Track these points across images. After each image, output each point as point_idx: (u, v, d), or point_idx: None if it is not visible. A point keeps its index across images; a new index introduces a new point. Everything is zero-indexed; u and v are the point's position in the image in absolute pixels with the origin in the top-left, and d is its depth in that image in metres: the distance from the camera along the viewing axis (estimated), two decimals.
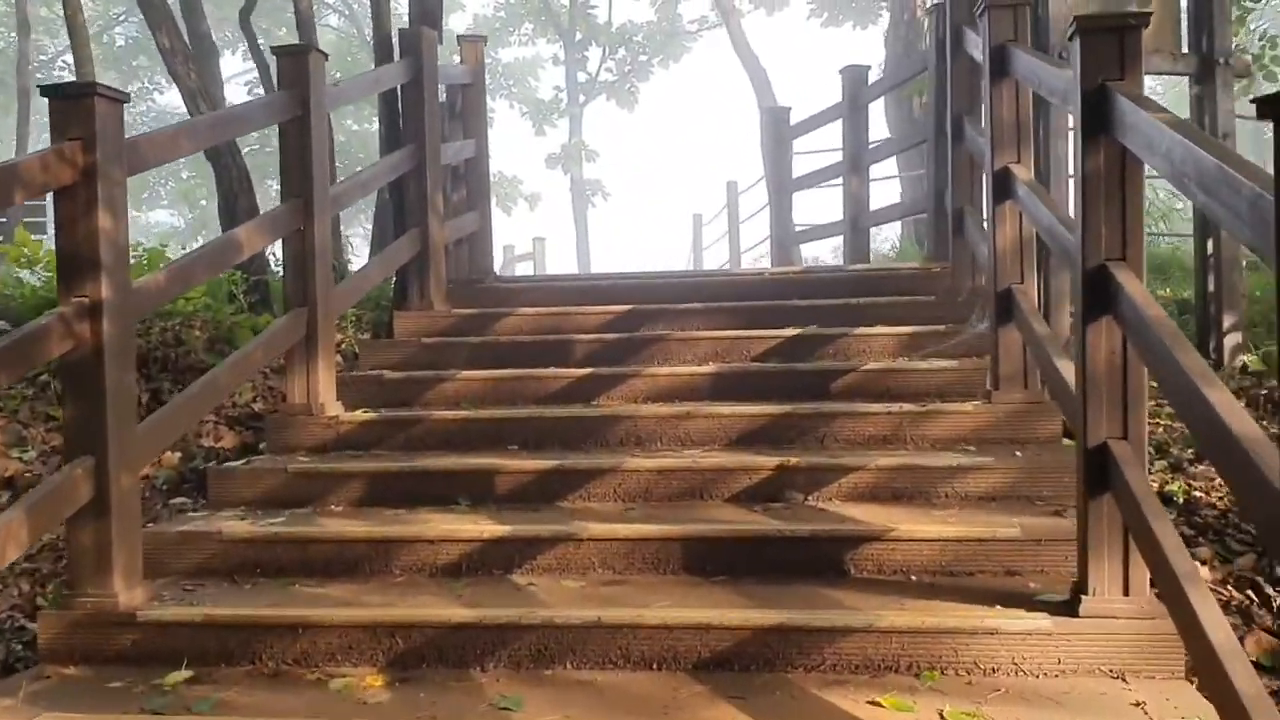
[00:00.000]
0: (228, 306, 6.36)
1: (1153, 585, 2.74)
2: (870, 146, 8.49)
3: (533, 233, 24.41)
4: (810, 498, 3.75)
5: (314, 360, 4.53)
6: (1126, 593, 2.77)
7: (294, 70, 4.54)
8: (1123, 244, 2.72)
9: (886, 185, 15.59)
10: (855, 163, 8.30)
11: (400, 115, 6.05)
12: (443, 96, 6.76)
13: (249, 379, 4.68)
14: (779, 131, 9.83)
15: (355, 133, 21.00)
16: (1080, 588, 2.83)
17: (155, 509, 4.55)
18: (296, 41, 7.89)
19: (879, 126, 11.95)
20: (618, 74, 22.61)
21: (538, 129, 22.75)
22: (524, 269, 19.58)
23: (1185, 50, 5.38)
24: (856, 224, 8.28)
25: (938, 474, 3.71)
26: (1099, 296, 2.73)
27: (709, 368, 4.79)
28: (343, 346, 6.24)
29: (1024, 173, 4.04)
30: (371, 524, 3.66)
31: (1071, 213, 3.25)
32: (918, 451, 4.01)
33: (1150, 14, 2.71)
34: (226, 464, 4.23)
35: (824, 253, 14.45)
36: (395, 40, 6.14)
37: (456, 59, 7.01)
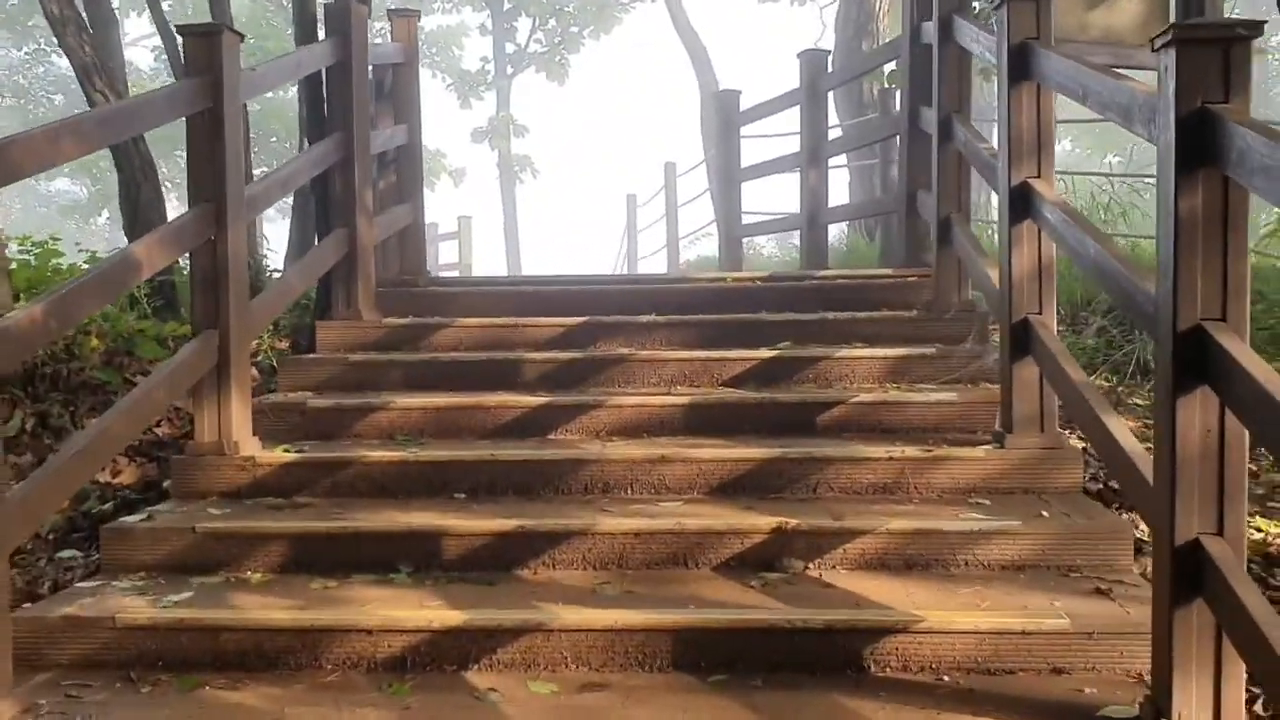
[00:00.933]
0: (128, 313, 5.68)
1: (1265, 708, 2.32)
2: (832, 139, 8.04)
3: (458, 210, 23.67)
4: (812, 565, 3.26)
5: (227, 392, 3.92)
6: (1218, 718, 2.33)
7: (203, 54, 3.91)
8: (1223, 300, 2.26)
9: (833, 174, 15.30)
10: (814, 154, 7.83)
11: (325, 100, 5.41)
12: (372, 76, 6.16)
13: (151, 420, 4.04)
14: (728, 117, 9.31)
15: (271, 103, 19.98)
16: (1160, 709, 2.39)
17: (39, 566, 3.92)
18: (209, 17, 7.18)
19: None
20: (547, 45, 21.85)
21: (463, 101, 21.93)
22: (449, 249, 18.85)
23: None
24: (815, 220, 7.82)
25: (956, 540, 3.26)
26: (1193, 364, 2.27)
27: (681, 398, 4.28)
28: (259, 358, 5.61)
29: (1047, 190, 3.59)
30: (296, 603, 3.09)
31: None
32: (925, 505, 3.55)
33: (1263, 23, 2.25)
34: (123, 521, 3.61)
35: (768, 245, 14.00)
36: (320, 16, 5.49)
37: (384, 32, 6.38)
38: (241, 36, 4.07)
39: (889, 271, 5.96)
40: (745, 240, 9.81)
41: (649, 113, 62.71)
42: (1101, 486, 3.80)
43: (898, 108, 9.21)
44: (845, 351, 4.67)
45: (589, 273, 6.36)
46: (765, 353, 4.70)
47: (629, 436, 4.20)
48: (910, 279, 5.67)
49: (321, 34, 5.46)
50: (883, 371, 4.61)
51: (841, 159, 11.78)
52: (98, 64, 6.14)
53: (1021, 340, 3.71)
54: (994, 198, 5.27)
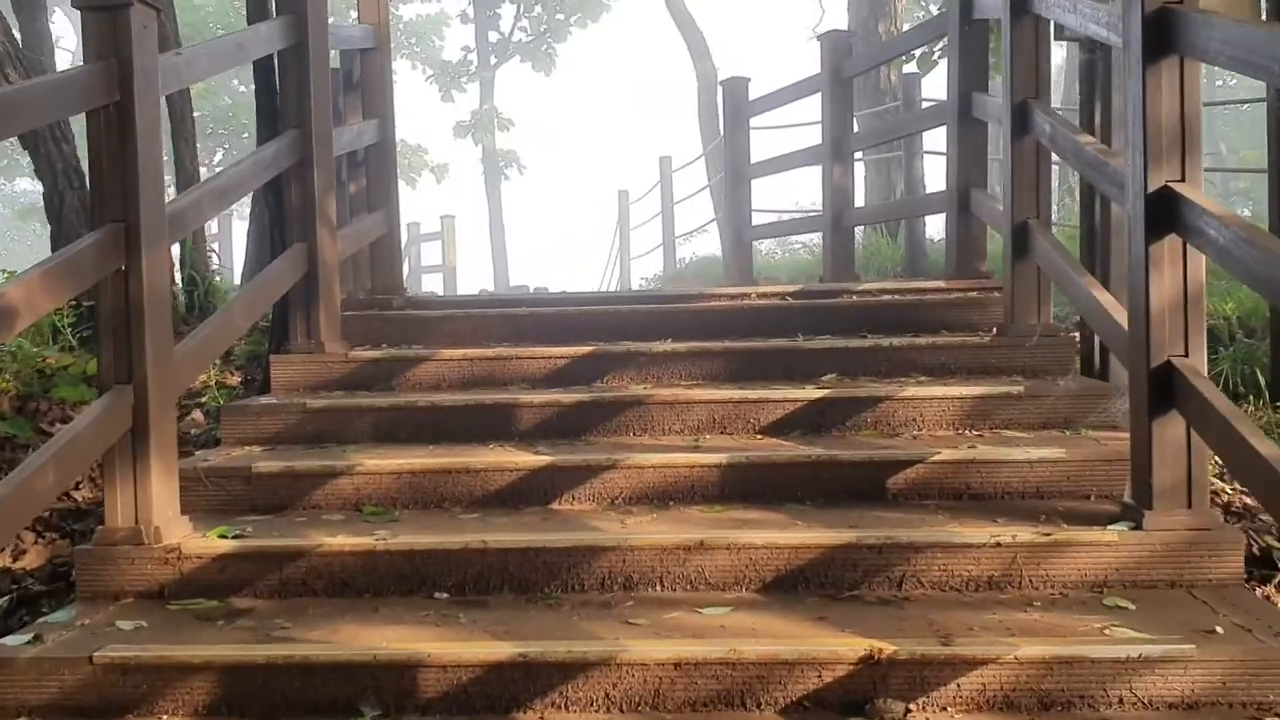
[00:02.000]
0: (48, 346, 4.85)
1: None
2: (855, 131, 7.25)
3: (441, 208, 22.84)
4: (915, 708, 2.46)
5: (145, 463, 3.10)
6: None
7: (107, 34, 3.07)
8: None
9: None
10: (838, 147, 7.03)
11: (278, 92, 4.58)
12: (338, 64, 5.34)
13: (37, 513, 3.17)
14: (737, 107, 8.51)
15: (246, 96, 18.97)
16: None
17: None
18: None
19: None
20: (532, 33, 20.95)
21: (444, 94, 21.00)
22: (433, 250, 18.01)
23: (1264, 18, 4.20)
24: (840, 221, 7.02)
25: (1108, 670, 2.46)
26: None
27: (715, 455, 3.47)
28: (204, 400, 4.79)
29: (1198, 195, 2.79)
30: None
31: None
32: (1050, 612, 2.74)
33: None
34: (7, 643, 2.78)
35: (766, 245, 13.13)
36: None
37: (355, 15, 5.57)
38: (157, 10, 3.24)
39: (942, 284, 5.16)
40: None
41: (641, 104, 61.78)
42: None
43: (921, 93, 8.48)
44: (911, 390, 3.87)
45: (590, 290, 5.56)
46: (811, 392, 3.90)
47: (653, 507, 3.39)
48: (971, 294, 4.88)
49: (273, 12, 4.62)
50: (958, 415, 3.82)
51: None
52: (14, 53, 5.30)
53: (1163, 390, 2.91)
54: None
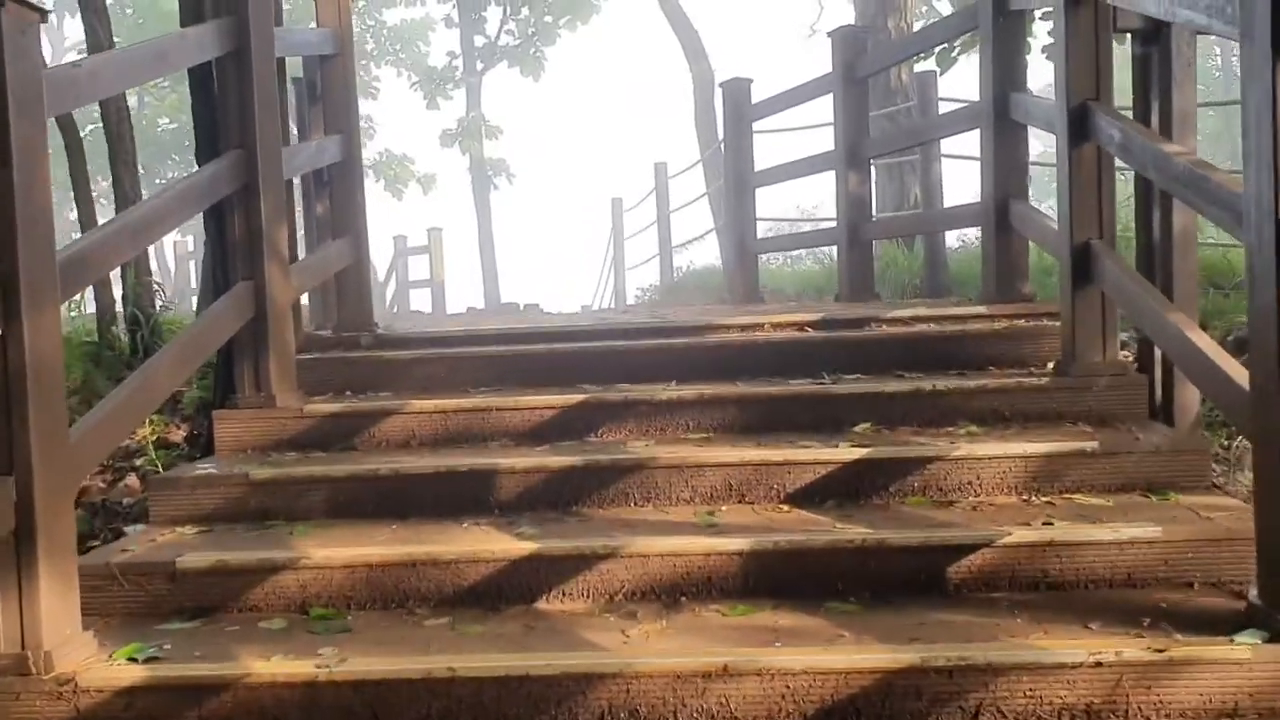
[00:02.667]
0: None
1: None
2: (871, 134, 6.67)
3: (427, 220, 22.24)
4: None
5: (32, 571, 2.51)
6: None
7: None
8: None
9: None
10: (853, 153, 6.46)
11: (219, 106, 4.00)
12: (297, 75, 4.77)
13: None
14: (739, 110, 7.93)
15: None
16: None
17: None
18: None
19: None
20: (520, 37, 20.33)
21: (430, 101, 20.37)
22: (419, 264, 17.40)
23: None
24: (856, 235, 6.45)
25: None
26: None
27: (734, 539, 2.89)
28: (139, 463, 4.21)
29: None
30: None
31: None
32: None
33: None
34: None
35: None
36: None
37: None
38: (43, 14, 2.66)
39: (983, 310, 4.58)
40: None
41: (635, 109, 61.15)
42: None
43: (938, 93, 7.89)
44: (964, 447, 3.29)
45: (582, 317, 4.98)
46: (846, 451, 3.32)
47: (662, 607, 2.80)
48: (1020, 322, 4.31)
49: (208, 13, 4.03)
50: (1022, 478, 3.24)
51: None
52: None
53: None
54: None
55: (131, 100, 22.23)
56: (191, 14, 4.06)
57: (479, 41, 20.50)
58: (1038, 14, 6.99)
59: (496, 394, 4.01)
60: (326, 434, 3.84)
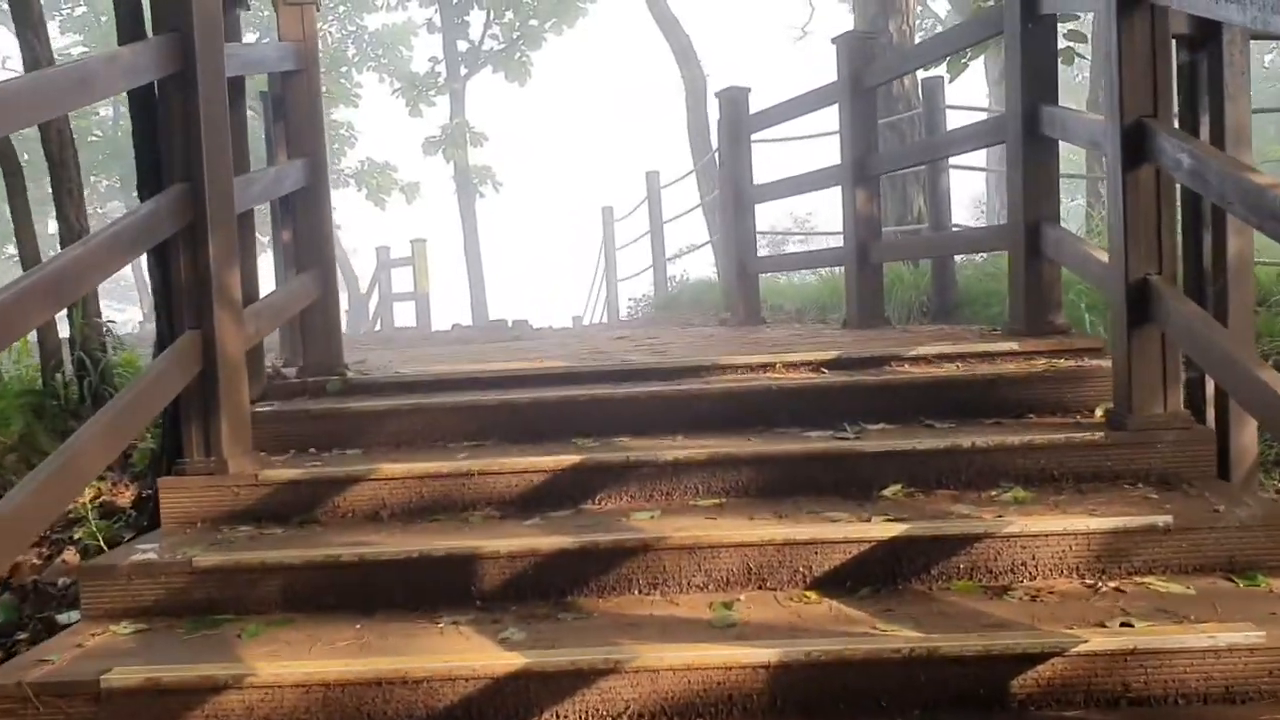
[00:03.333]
0: None
1: None
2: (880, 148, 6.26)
3: (412, 230, 21.75)
4: None
5: None
6: None
7: None
8: None
9: None
10: (860, 168, 6.04)
11: (163, 133, 3.55)
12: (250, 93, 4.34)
13: None
14: (736, 121, 7.52)
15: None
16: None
17: None
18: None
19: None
20: (505, 41, 19.85)
21: (412, 108, 19.87)
22: (403, 277, 16.95)
23: None
24: (866, 256, 6.03)
25: None
26: None
27: (758, 649, 2.45)
28: (76, 536, 3.76)
29: None
30: None
31: None
32: None
33: None
34: None
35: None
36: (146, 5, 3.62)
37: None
38: None
39: (1015, 346, 4.17)
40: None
41: (625, 114, 60.57)
42: None
43: (942, 100, 7.48)
44: (1016, 522, 2.87)
45: (575, 361, 4.56)
46: (880, 528, 2.90)
47: None
48: (1061, 362, 3.90)
49: (149, 30, 3.60)
50: (1085, 558, 2.83)
51: None
52: None
53: None
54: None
55: (107, 110, 21.69)
56: (129, 30, 3.61)
57: (462, 46, 20.05)
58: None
59: (479, 453, 3.59)
60: (285, 504, 3.41)
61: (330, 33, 22.50)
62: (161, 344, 3.62)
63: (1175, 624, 2.46)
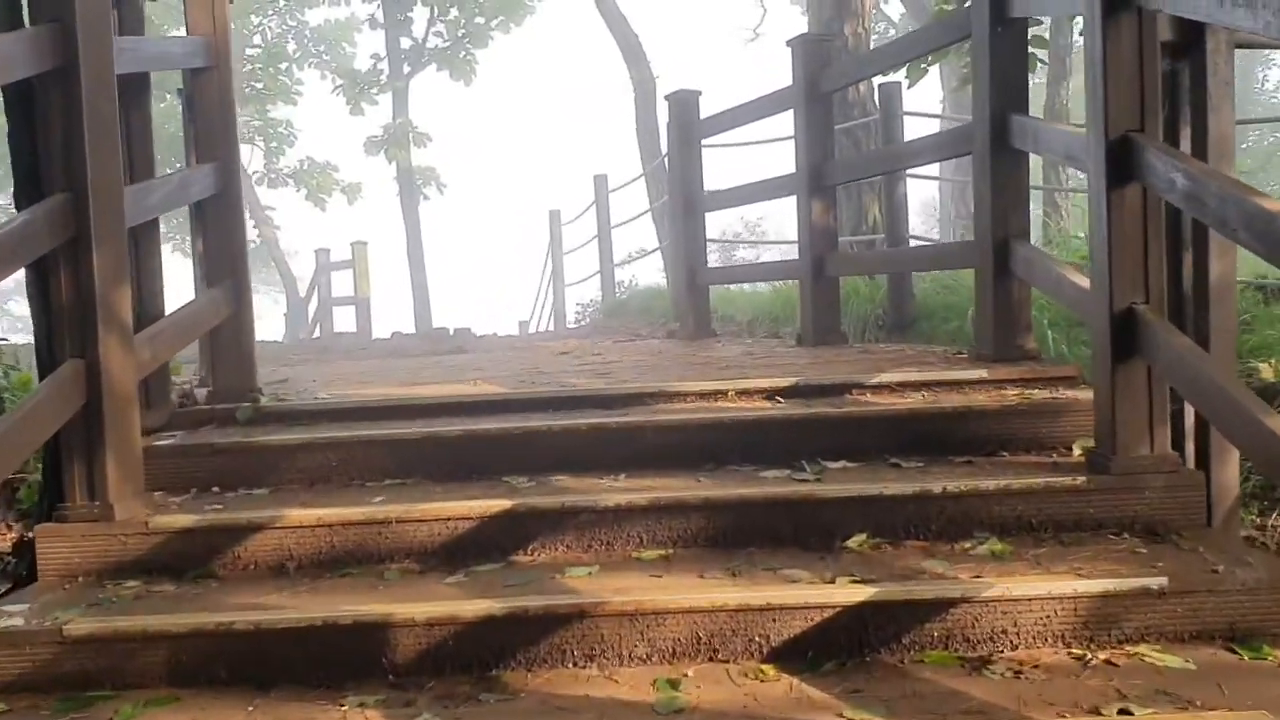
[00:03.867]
0: None
1: None
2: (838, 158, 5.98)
3: (353, 231, 21.24)
4: None
5: None
6: None
7: None
8: None
9: None
10: (816, 177, 5.76)
11: (41, 136, 3.17)
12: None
13: None
14: (686, 125, 7.21)
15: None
16: None
17: None
18: None
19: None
20: (450, 39, 19.38)
21: (354, 106, 19.33)
22: (343, 281, 16.48)
23: None
24: (822, 270, 5.75)
25: None
26: None
27: None
28: None
29: None
30: None
31: None
32: None
33: None
34: None
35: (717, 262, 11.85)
36: None
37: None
38: None
39: (984, 374, 3.90)
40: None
41: (573, 116, 60.06)
42: None
43: (899, 107, 7.23)
44: (996, 585, 2.58)
45: (512, 387, 4.23)
46: (845, 591, 2.59)
47: None
48: (1035, 393, 3.64)
49: (26, 19, 3.21)
50: (1071, 624, 2.54)
51: None
52: None
53: None
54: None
55: None
56: (4, 19, 3.22)
57: (406, 44, 19.57)
58: None
59: (401, 494, 3.25)
60: (179, 555, 3.04)
61: (270, 27, 21.96)
62: (43, 372, 3.23)
63: (1180, 711, 2.17)
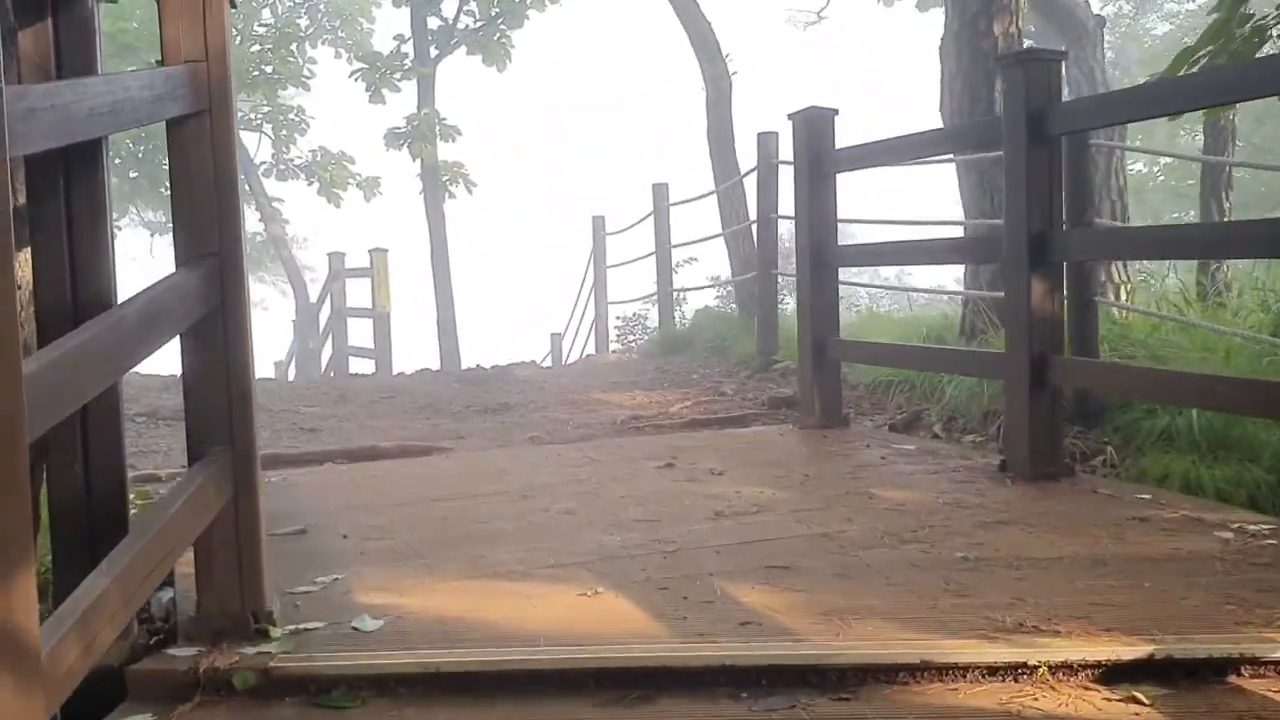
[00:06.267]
0: None
1: None
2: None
3: (370, 229, 19.77)
4: None
5: None
6: None
7: None
8: None
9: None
10: (1041, 249, 4.27)
11: None
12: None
13: None
14: (818, 155, 5.74)
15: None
16: None
17: None
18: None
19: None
20: (482, 18, 17.75)
21: (374, 94, 17.71)
22: (359, 290, 14.97)
23: None
24: (1044, 376, 4.26)
25: None
26: None
27: None
28: None
29: None
30: None
31: None
32: None
33: None
34: None
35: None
36: None
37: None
38: None
39: None
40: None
41: (622, 111, 57.60)
42: None
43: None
44: None
45: (650, 610, 2.75)
46: None
47: None
48: None
49: None
50: None
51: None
52: None
53: None
54: None
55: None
56: None
57: (433, 23, 17.97)
58: None
59: None
60: None
61: (280, 1, 20.42)
62: None
63: None
